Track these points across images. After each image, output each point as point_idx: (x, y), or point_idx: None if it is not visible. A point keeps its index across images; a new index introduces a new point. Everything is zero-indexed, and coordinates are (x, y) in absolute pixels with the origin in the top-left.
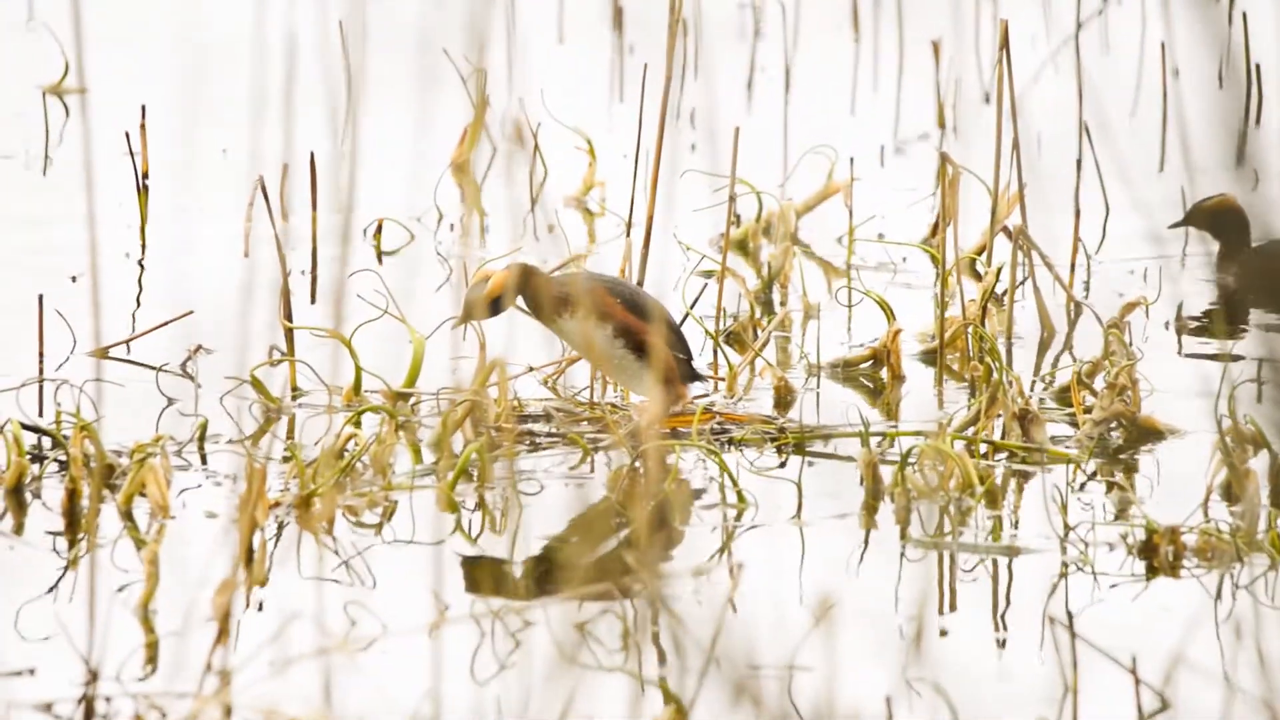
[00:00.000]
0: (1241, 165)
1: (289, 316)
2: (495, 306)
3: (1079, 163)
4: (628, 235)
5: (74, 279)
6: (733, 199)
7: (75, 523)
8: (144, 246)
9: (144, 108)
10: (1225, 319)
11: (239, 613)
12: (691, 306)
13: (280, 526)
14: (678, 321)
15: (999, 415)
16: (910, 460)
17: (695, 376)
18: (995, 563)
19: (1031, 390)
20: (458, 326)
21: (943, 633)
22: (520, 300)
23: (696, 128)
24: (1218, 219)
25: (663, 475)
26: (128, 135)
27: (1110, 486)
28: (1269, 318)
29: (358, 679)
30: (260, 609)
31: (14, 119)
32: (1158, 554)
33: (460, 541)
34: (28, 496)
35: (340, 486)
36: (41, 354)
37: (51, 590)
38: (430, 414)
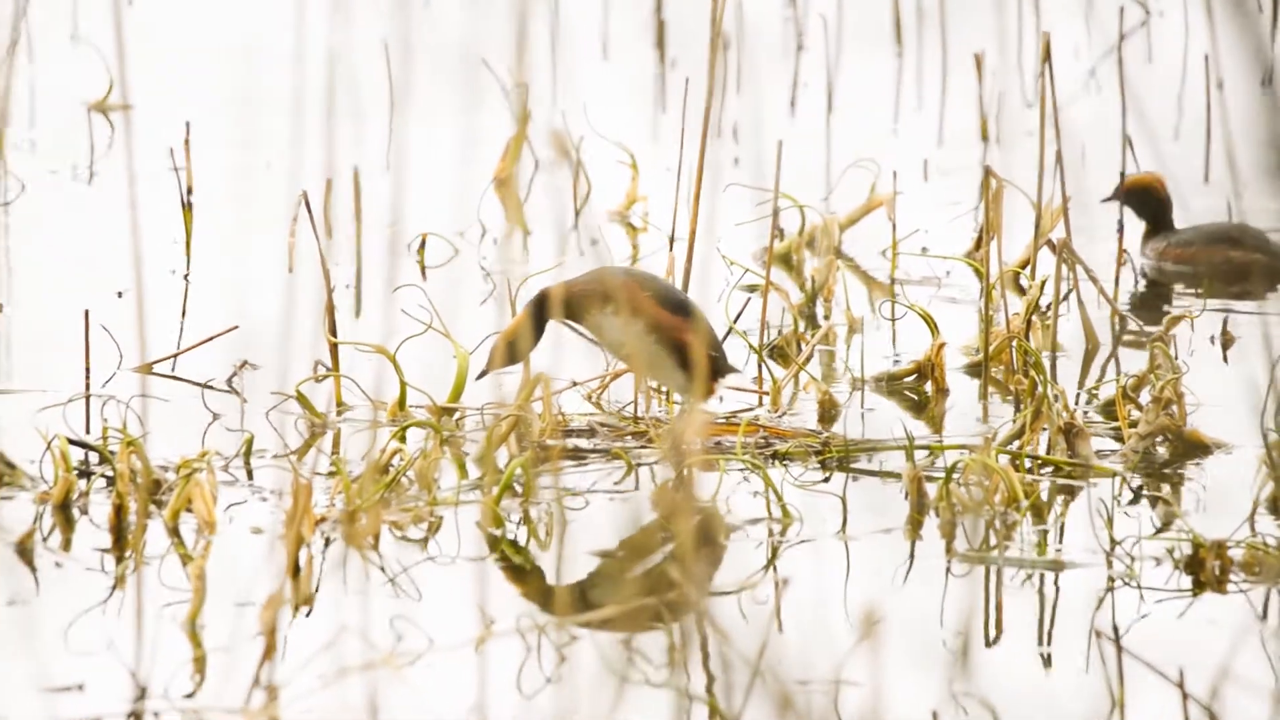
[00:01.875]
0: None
1: (333, 331)
2: (513, 353)
3: (1123, 175)
4: (670, 250)
5: (120, 295)
6: (776, 213)
7: (122, 539)
8: (189, 262)
9: (188, 124)
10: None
11: (285, 628)
12: (735, 321)
13: (326, 542)
14: (715, 327)
15: (1044, 429)
16: (955, 474)
17: (728, 369)
18: (1041, 577)
19: (1076, 404)
20: (480, 378)
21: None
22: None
23: (739, 142)
24: (1135, 197)
25: (707, 490)
26: (172, 151)
27: (1156, 501)
28: None
29: (404, 693)
30: (307, 623)
31: (60, 135)
32: (1204, 568)
33: (505, 556)
34: (75, 512)
35: (385, 502)
36: (88, 369)
37: (100, 606)
38: (475, 429)
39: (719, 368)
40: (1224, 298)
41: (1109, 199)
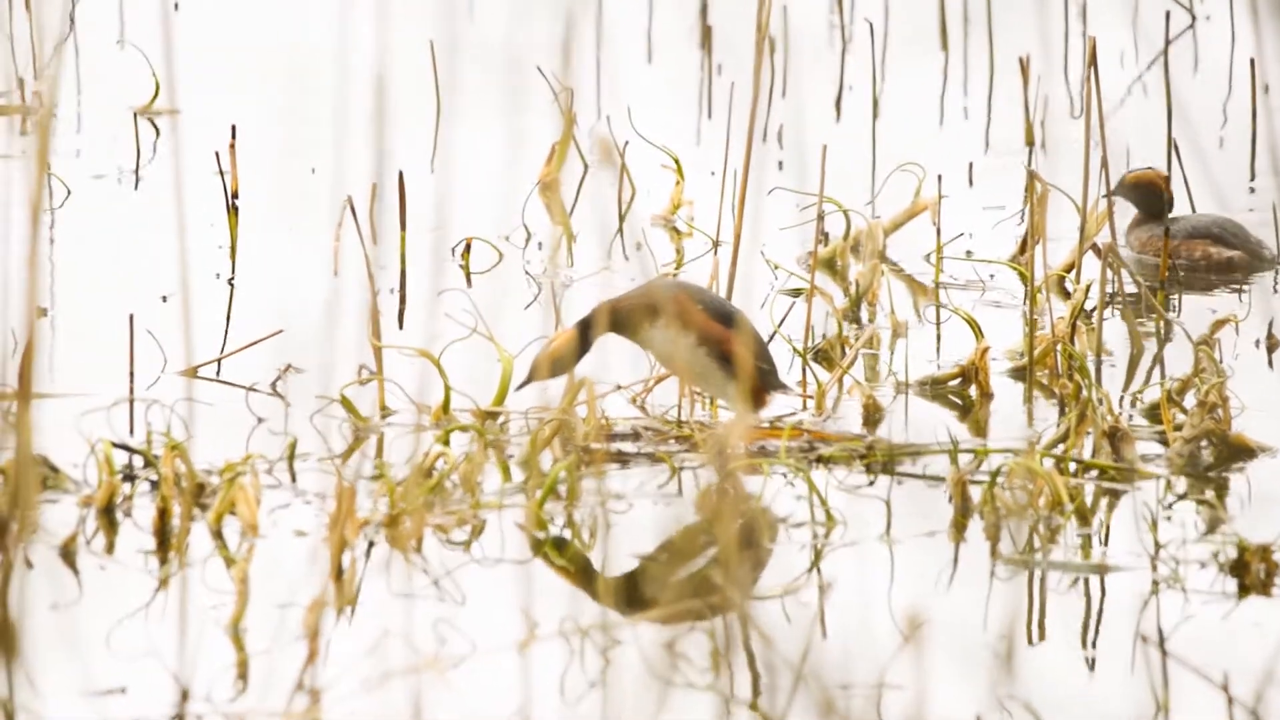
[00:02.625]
0: None
1: (378, 335)
2: (556, 369)
3: (1168, 179)
4: (715, 254)
5: (165, 299)
6: (820, 217)
7: (166, 542)
8: (234, 266)
9: (234, 127)
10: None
11: (328, 631)
12: (779, 325)
13: (370, 545)
14: (763, 336)
15: (1089, 433)
16: (1000, 478)
17: (779, 385)
18: (1085, 581)
19: (1121, 408)
20: (521, 389)
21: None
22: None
23: (784, 146)
24: (1134, 191)
25: (751, 494)
26: (217, 155)
27: (1201, 504)
28: None
29: (447, 697)
30: (350, 627)
31: (106, 140)
32: (1249, 572)
33: (549, 560)
34: (119, 516)
35: (429, 505)
36: (132, 373)
37: (143, 609)
38: (519, 433)
39: (769, 381)
40: (1198, 292)
41: (1109, 194)
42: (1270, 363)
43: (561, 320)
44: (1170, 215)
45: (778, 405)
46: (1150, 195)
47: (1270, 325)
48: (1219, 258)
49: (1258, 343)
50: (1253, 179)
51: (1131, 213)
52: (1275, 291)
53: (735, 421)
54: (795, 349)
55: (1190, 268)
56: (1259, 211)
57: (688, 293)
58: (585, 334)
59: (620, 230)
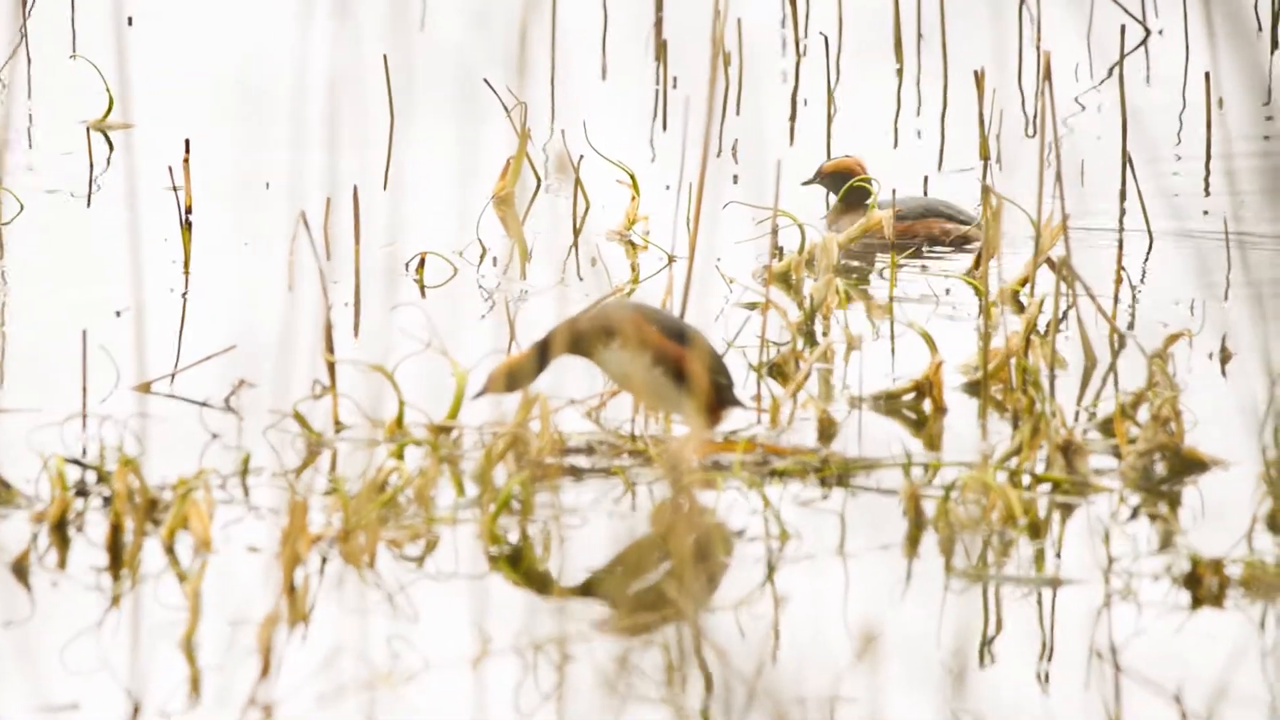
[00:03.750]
0: None
1: (331, 350)
2: (512, 384)
3: (1123, 193)
4: (670, 268)
5: (118, 314)
6: (775, 231)
7: (119, 558)
8: (188, 281)
9: (187, 142)
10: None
11: (281, 646)
12: (734, 339)
13: (323, 560)
14: (719, 350)
15: (1042, 447)
16: (953, 492)
17: (735, 401)
18: (1039, 595)
19: (1075, 421)
20: (475, 399)
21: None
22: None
23: (739, 160)
24: (833, 179)
25: (705, 508)
26: (171, 170)
27: (1154, 518)
28: None
29: (400, 712)
30: (303, 642)
31: (59, 154)
32: (1202, 585)
33: (503, 575)
34: (71, 532)
35: (383, 520)
36: (85, 388)
37: (96, 625)
38: (473, 447)
39: (725, 397)
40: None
41: (808, 182)
42: (1223, 375)
43: (515, 335)
44: (867, 202)
45: (733, 420)
46: (846, 181)
47: (1224, 339)
48: (957, 232)
49: (1211, 356)
50: (1207, 193)
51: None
52: (1225, 300)
53: (689, 436)
54: (750, 363)
55: (932, 242)
56: (1213, 220)
57: (642, 313)
58: (543, 353)
59: (575, 245)
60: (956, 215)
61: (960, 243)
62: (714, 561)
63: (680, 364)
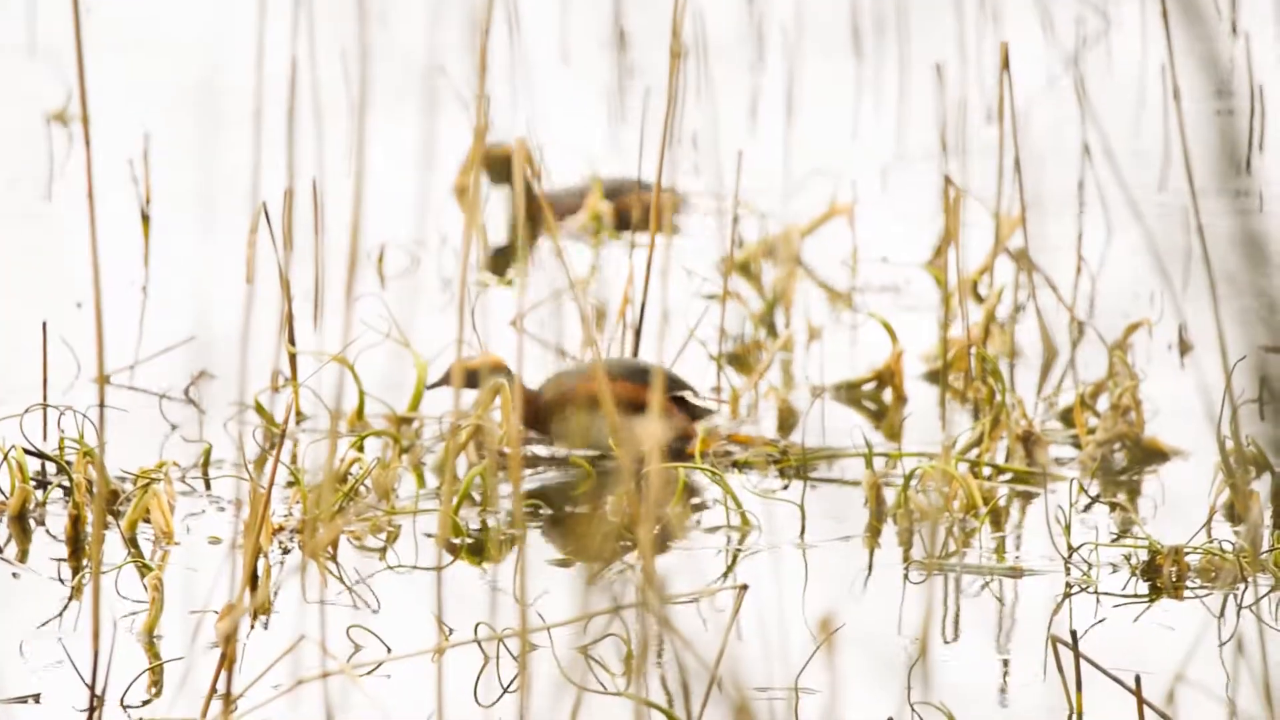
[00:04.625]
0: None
1: (292, 341)
2: (471, 382)
3: (1081, 184)
4: (630, 258)
5: (79, 305)
6: (735, 221)
7: (79, 549)
8: (148, 273)
9: (147, 135)
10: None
11: (243, 637)
12: (695, 328)
13: (284, 551)
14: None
15: (1002, 437)
16: (914, 482)
17: (703, 412)
18: (999, 584)
19: (1035, 412)
20: (432, 389)
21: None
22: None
23: (699, 150)
24: (491, 166)
25: (667, 498)
26: (131, 163)
27: (1113, 507)
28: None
29: (361, 703)
30: (265, 633)
31: (17, 146)
32: (1161, 574)
33: (463, 565)
34: (31, 523)
35: (344, 511)
36: (45, 380)
37: (56, 617)
38: (434, 438)
39: (696, 412)
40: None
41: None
42: (1182, 366)
43: (477, 325)
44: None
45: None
46: (503, 167)
47: (1181, 329)
48: (649, 201)
49: (1170, 346)
50: (1162, 185)
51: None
52: (1185, 298)
53: (652, 426)
54: (710, 354)
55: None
56: (1170, 211)
57: (578, 375)
58: (508, 373)
59: (534, 237)
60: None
61: (677, 210)
62: (675, 552)
63: (637, 399)
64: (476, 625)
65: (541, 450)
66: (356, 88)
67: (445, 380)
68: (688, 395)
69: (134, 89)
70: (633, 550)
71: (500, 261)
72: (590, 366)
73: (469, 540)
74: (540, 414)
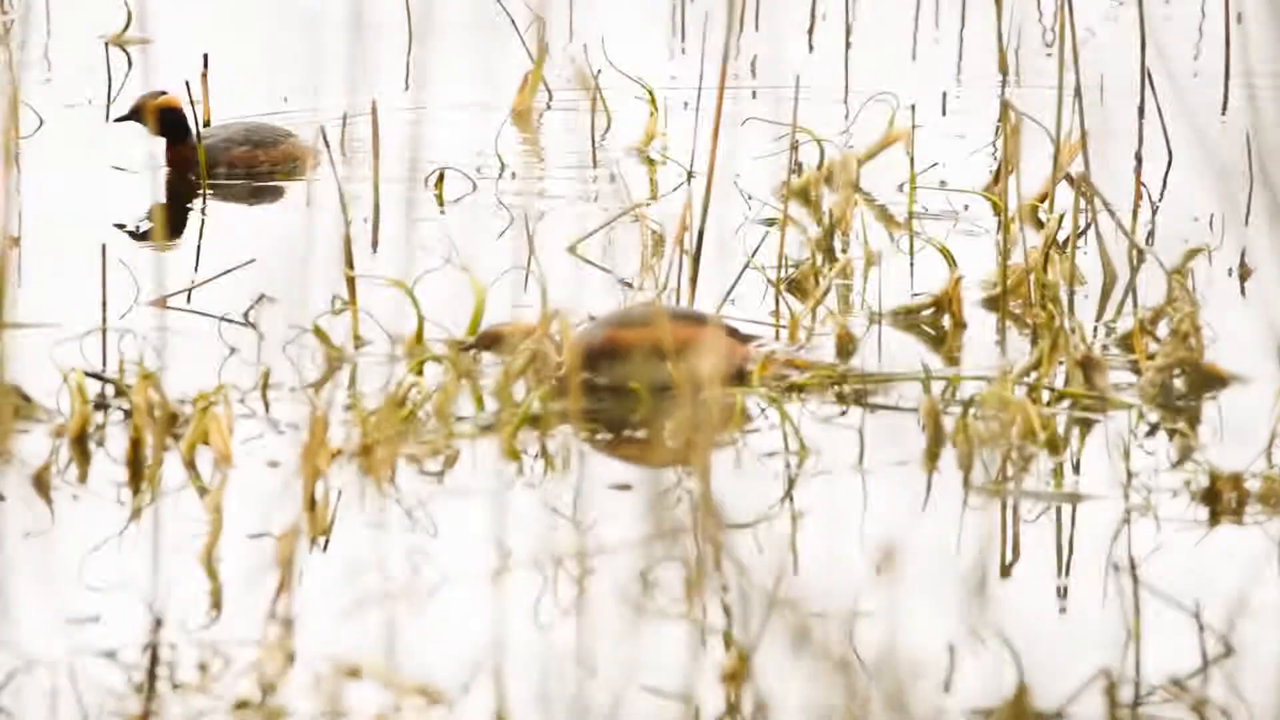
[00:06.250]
0: None
1: (351, 265)
2: (500, 348)
3: (1141, 109)
4: (689, 184)
5: (138, 229)
6: (794, 147)
7: (139, 472)
8: (205, 197)
9: (206, 57)
10: (166, 218)
11: (301, 561)
12: (753, 255)
13: (343, 475)
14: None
15: (1061, 362)
16: (972, 407)
17: (754, 338)
18: (1058, 510)
19: (1094, 337)
20: (467, 350)
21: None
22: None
23: (758, 75)
24: (164, 118)
25: (725, 423)
26: (188, 85)
27: (1173, 433)
28: None
29: (420, 626)
30: (323, 556)
31: (78, 70)
32: (1220, 500)
33: (522, 489)
34: (91, 446)
35: (402, 435)
36: (105, 303)
37: (116, 539)
38: (493, 362)
39: (746, 338)
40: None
41: (122, 119)
42: (1243, 292)
43: (534, 251)
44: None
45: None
46: (171, 119)
47: (1243, 254)
48: (299, 148)
49: (1230, 272)
50: (1224, 110)
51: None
52: (1246, 224)
53: (710, 352)
54: (769, 279)
55: (249, 174)
56: (1232, 136)
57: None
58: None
59: (594, 161)
60: (267, 137)
61: (282, 161)
62: (733, 477)
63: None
64: (535, 549)
65: (599, 379)
66: (416, 9)
67: (478, 342)
68: (738, 326)
69: (193, 12)
70: (691, 474)
71: (170, 222)
72: (639, 311)
73: (527, 464)
74: (592, 360)
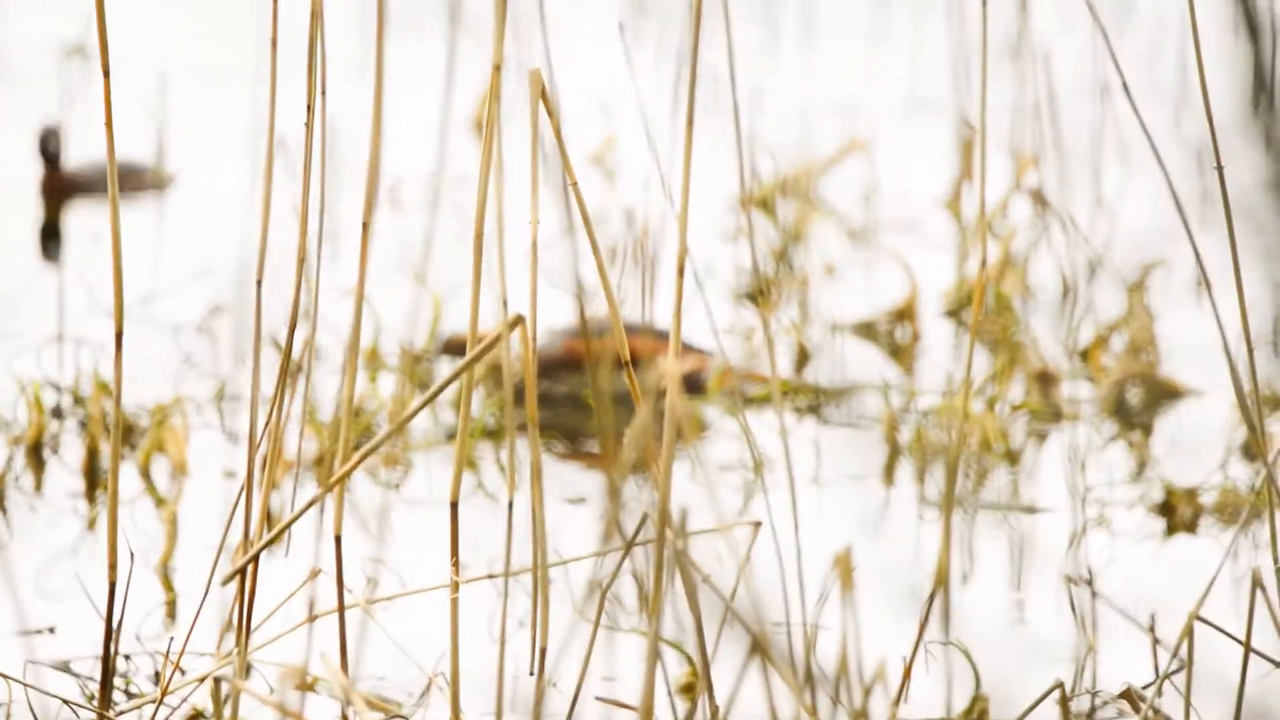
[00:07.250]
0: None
1: (308, 276)
2: (458, 351)
3: (1099, 121)
4: (645, 195)
5: (95, 239)
6: (751, 157)
7: (95, 481)
8: (162, 205)
9: (163, 65)
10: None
11: (258, 571)
12: (710, 267)
13: (297, 484)
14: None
15: (1018, 375)
16: (929, 420)
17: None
18: (1014, 522)
19: (1051, 350)
20: (438, 355)
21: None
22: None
23: (716, 84)
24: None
25: (683, 433)
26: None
27: (1129, 446)
28: None
29: (376, 637)
30: (279, 566)
31: (32, 80)
32: (1176, 513)
33: (478, 500)
34: (47, 455)
35: (358, 445)
36: (61, 312)
37: (72, 549)
38: (450, 373)
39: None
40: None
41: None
42: (1200, 305)
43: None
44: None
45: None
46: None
47: (1199, 268)
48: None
49: (1189, 285)
50: (1180, 123)
51: None
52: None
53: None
54: (728, 291)
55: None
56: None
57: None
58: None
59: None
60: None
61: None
62: (691, 487)
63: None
64: (491, 560)
65: (557, 388)
66: (374, 18)
67: (446, 348)
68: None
69: (148, 19)
70: (648, 485)
71: (48, 243)
72: (596, 323)
73: (484, 475)
74: (550, 370)
